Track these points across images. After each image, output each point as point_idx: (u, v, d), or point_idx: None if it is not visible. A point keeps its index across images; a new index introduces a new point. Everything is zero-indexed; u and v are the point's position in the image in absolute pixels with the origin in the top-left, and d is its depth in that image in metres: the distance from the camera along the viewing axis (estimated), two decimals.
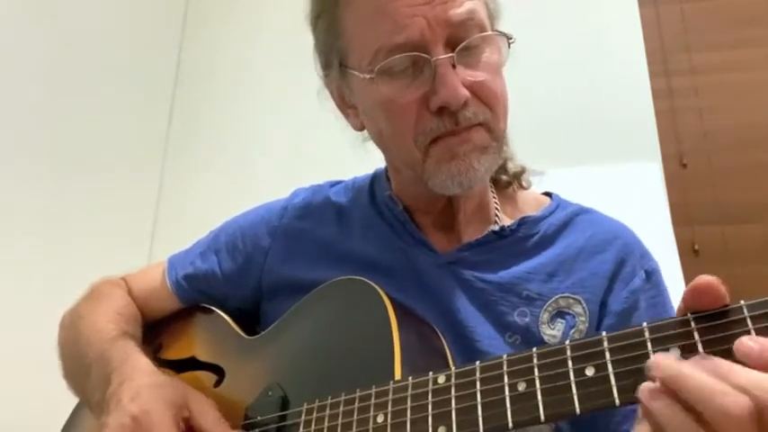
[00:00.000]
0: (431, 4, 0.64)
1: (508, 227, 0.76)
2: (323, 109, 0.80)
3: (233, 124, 2.10)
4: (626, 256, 0.74)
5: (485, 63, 0.68)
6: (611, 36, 1.84)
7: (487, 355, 0.67)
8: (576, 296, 0.71)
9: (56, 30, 1.69)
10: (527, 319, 0.70)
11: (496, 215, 0.79)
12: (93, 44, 1.82)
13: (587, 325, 0.70)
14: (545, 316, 0.70)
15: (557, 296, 0.71)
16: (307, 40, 0.78)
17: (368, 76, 0.67)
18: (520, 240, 0.75)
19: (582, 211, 0.80)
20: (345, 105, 0.78)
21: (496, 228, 0.75)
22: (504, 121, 0.71)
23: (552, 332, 0.69)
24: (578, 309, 0.70)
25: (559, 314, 0.70)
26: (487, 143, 0.69)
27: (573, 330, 0.69)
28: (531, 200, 0.83)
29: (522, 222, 0.76)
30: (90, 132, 1.78)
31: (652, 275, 0.74)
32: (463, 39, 0.66)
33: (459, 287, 0.72)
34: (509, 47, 0.70)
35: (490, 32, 0.69)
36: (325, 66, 0.76)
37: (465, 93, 0.65)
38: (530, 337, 0.69)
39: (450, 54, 0.65)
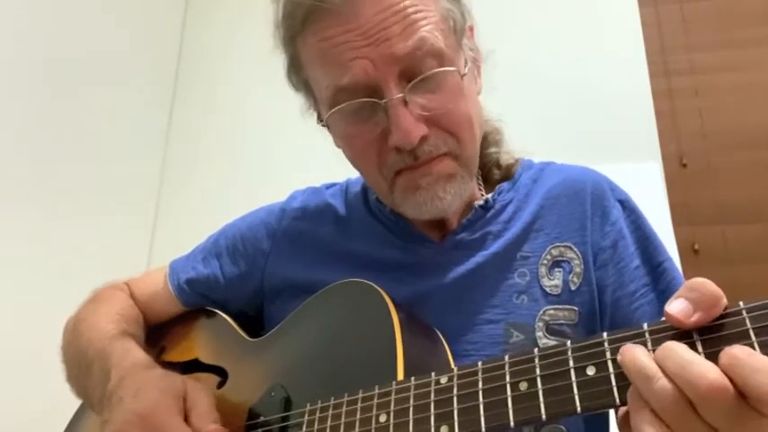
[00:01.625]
0: (373, 45, 0.63)
1: (491, 197, 0.78)
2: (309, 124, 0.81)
3: (233, 124, 2.10)
4: (599, 193, 0.76)
5: (444, 89, 0.66)
6: (611, 36, 1.84)
7: (502, 321, 0.69)
8: (565, 243, 0.73)
9: (56, 28, 1.69)
10: (528, 278, 0.72)
11: (481, 194, 0.81)
12: (94, 43, 1.82)
13: (583, 267, 0.72)
14: (542, 269, 0.72)
15: (548, 248, 0.73)
16: (282, 61, 0.79)
17: (324, 120, 0.70)
18: (502, 208, 0.77)
19: (545, 165, 0.83)
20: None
21: (481, 202, 0.77)
22: (472, 145, 0.71)
23: (553, 282, 0.71)
24: (571, 254, 0.72)
25: (555, 264, 0.72)
26: (453, 170, 0.69)
27: (571, 275, 0.72)
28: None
29: (500, 191, 0.79)
30: (90, 132, 1.78)
31: (626, 203, 0.77)
32: (417, 70, 0.64)
33: (462, 268, 0.74)
34: (462, 78, 0.67)
35: (442, 69, 0.65)
36: (297, 90, 0.78)
37: (419, 133, 0.64)
38: (534, 293, 0.71)
39: (400, 94, 0.63)
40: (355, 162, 0.74)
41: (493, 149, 0.84)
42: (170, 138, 2.13)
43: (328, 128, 0.75)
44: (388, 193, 0.71)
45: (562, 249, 0.73)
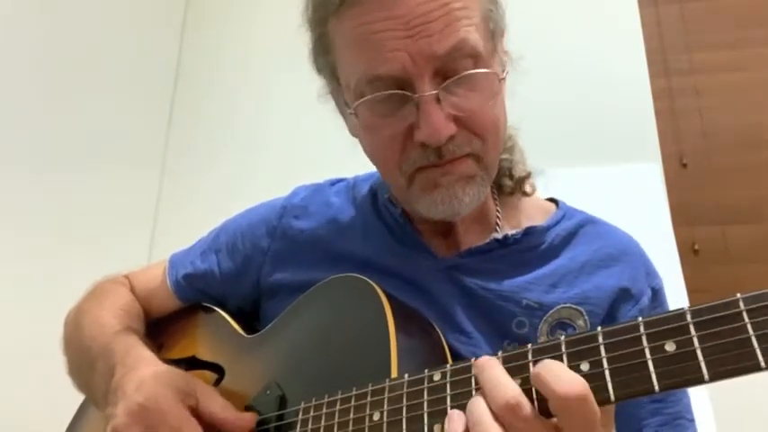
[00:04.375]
0: (414, 38, 0.60)
1: (512, 236, 0.74)
2: (323, 108, 0.79)
3: (233, 124, 2.11)
4: (635, 273, 0.73)
5: (479, 91, 0.64)
6: (611, 36, 1.84)
7: None
8: (578, 307, 0.69)
9: (56, 29, 1.70)
10: (525, 330, 0.68)
11: (497, 223, 0.77)
12: (93, 44, 1.83)
13: None
14: (544, 327, 0.69)
15: (558, 306, 0.69)
16: (306, 39, 0.78)
17: (354, 105, 0.67)
18: (524, 250, 0.74)
19: (588, 222, 0.78)
20: (346, 106, 0.77)
21: (499, 236, 0.74)
22: (496, 149, 0.69)
23: None
24: (580, 321, 0.69)
25: (560, 325, 0.69)
26: (474, 172, 0.67)
27: None
28: (535, 207, 0.81)
29: (528, 232, 0.75)
30: (90, 132, 1.78)
31: (658, 294, 0.74)
32: (453, 69, 0.62)
33: (458, 293, 0.72)
34: (500, 81, 0.66)
35: (480, 71, 0.64)
36: (320, 72, 0.75)
37: (447, 132, 0.62)
38: None
39: (434, 91, 0.62)
40: (375, 154, 0.71)
41: (505, 156, 0.80)
42: (170, 137, 2.14)
43: (355, 116, 0.72)
44: (405, 189, 0.69)
45: (573, 312, 0.69)
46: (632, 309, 0.71)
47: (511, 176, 0.80)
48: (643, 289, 0.72)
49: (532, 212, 0.80)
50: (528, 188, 0.81)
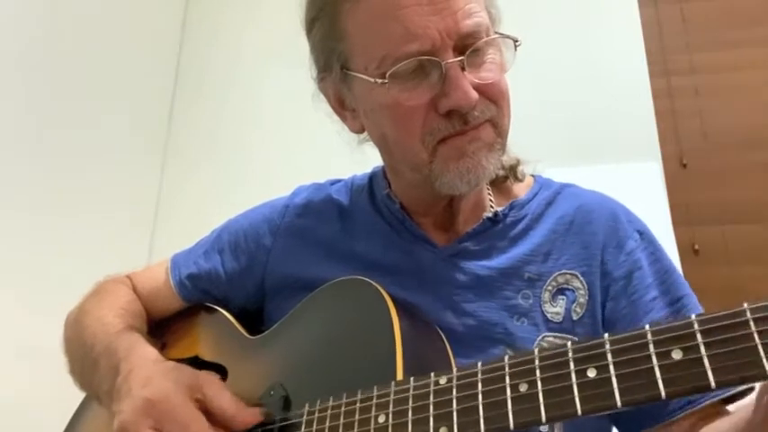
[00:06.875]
0: (441, 15, 0.64)
1: (501, 211, 0.77)
2: (318, 111, 0.80)
3: (232, 123, 2.11)
4: (614, 223, 0.76)
5: (490, 64, 0.69)
6: (612, 36, 1.84)
7: (501, 341, 0.69)
8: (572, 271, 0.72)
9: (57, 29, 1.70)
10: (530, 301, 0.71)
11: (491, 205, 0.79)
12: (94, 44, 1.83)
13: (587, 297, 0.71)
14: (546, 295, 0.71)
15: (555, 274, 0.72)
16: (307, 39, 0.78)
17: (379, 81, 0.67)
18: (512, 224, 0.77)
19: (564, 187, 0.82)
20: (343, 108, 0.78)
21: (490, 214, 0.77)
22: (508, 118, 0.72)
23: (555, 309, 0.71)
24: (576, 283, 0.72)
25: (560, 291, 0.72)
26: (493, 140, 0.70)
27: (574, 305, 0.71)
28: (519, 185, 0.84)
29: (512, 206, 0.78)
30: (91, 131, 1.78)
31: (644, 234, 0.76)
32: (470, 43, 0.66)
33: (463, 278, 0.73)
34: (515, 49, 0.71)
35: (495, 36, 0.69)
36: (324, 69, 0.75)
37: (476, 95, 0.65)
38: (535, 317, 0.70)
39: (461, 58, 0.65)
40: (396, 129, 0.70)
41: None
42: (170, 136, 2.13)
43: (354, 112, 0.75)
44: (426, 165, 0.69)
45: (568, 277, 0.72)
46: (620, 254, 0.73)
47: (502, 166, 0.83)
48: (627, 233, 0.75)
49: (517, 190, 0.83)
50: (519, 175, 0.83)
